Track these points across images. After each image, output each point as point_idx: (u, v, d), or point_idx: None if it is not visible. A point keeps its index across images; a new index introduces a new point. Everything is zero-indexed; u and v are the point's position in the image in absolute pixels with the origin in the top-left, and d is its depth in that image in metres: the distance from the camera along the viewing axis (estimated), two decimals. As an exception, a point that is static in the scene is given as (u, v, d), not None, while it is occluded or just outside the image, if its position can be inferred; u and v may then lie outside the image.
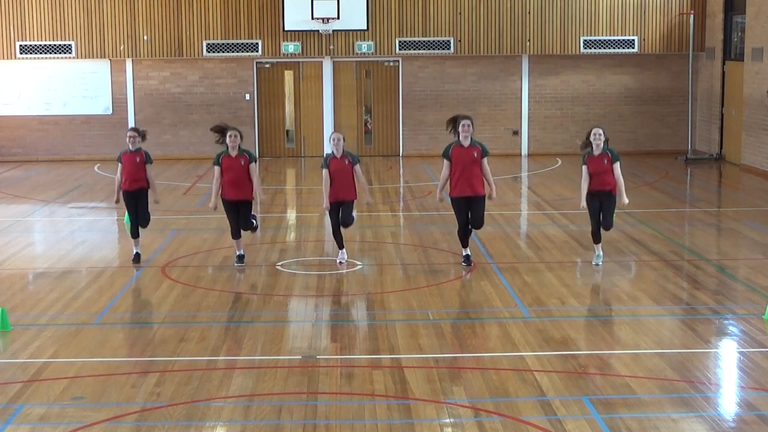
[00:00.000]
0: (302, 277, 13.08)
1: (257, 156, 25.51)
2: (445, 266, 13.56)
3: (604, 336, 10.46)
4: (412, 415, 8.27)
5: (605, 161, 13.16)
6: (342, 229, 13.58)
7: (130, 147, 13.69)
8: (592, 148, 13.19)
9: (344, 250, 13.61)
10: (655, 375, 9.12)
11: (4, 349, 10.18)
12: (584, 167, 13.25)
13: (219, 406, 8.50)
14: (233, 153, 13.37)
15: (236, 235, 13.61)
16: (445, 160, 13.24)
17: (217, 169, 13.45)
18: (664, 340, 10.32)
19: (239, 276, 13.22)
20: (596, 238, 13.45)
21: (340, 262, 13.54)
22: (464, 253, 13.48)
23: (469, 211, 13.22)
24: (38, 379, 9.17)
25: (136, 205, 13.81)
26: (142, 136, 13.84)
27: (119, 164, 13.77)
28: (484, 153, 13.17)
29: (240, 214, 13.48)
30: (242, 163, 13.36)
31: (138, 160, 13.68)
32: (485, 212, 13.40)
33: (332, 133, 13.59)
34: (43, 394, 8.78)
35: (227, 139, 13.35)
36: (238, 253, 13.73)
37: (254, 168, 13.47)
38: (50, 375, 9.30)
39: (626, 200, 13.29)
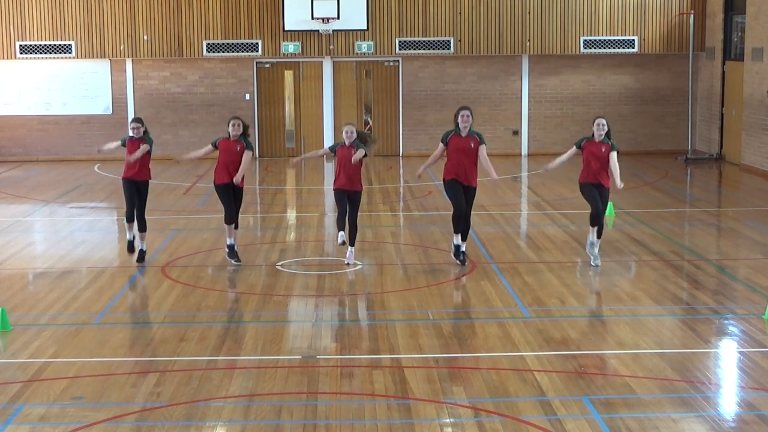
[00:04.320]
0: (302, 277, 13.07)
1: (257, 153, 25.51)
2: (445, 266, 13.55)
3: (604, 336, 10.46)
4: (412, 415, 8.27)
5: (603, 149, 13.12)
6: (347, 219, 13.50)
7: (134, 136, 13.65)
8: (593, 135, 13.21)
9: (344, 233, 13.44)
10: (655, 375, 9.12)
11: (4, 349, 10.18)
12: (575, 148, 13.34)
13: (219, 406, 8.50)
14: (233, 140, 13.56)
15: (230, 219, 13.47)
16: (441, 144, 13.46)
17: (209, 147, 13.75)
18: (664, 340, 10.32)
19: (238, 274, 13.22)
20: (595, 221, 13.16)
21: (348, 263, 13.49)
22: (454, 242, 13.33)
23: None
24: (38, 379, 9.17)
25: (137, 194, 13.64)
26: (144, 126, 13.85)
27: (124, 147, 13.75)
28: (481, 142, 13.24)
29: (234, 197, 13.52)
30: (237, 148, 13.48)
31: (141, 146, 13.61)
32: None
33: (346, 125, 13.52)
34: (43, 394, 8.78)
35: (229, 127, 13.54)
36: (228, 241, 13.54)
37: (247, 155, 13.50)
38: (50, 375, 9.30)
39: (620, 184, 13.02)
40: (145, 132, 13.72)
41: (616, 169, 13.08)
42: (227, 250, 13.66)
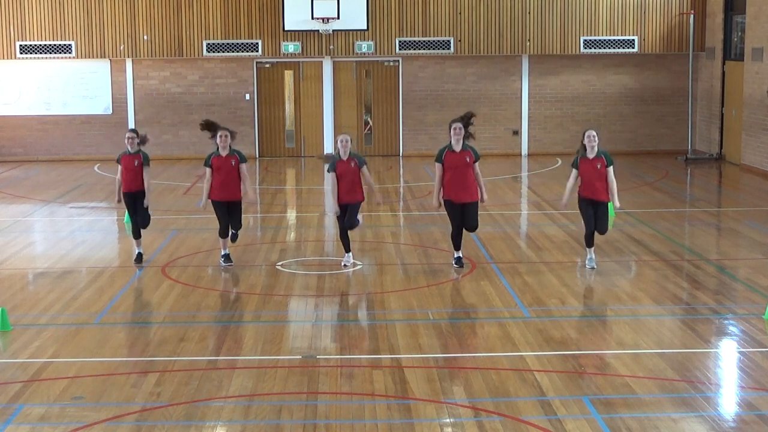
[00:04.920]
0: (302, 277, 13.07)
1: (251, 157, 25.55)
2: (445, 266, 13.56)
3: (604, 336, 10.46)
4: (412, 415, 8.27)
5: (598, 165, 13.00)
6: (348, 232, 13.51)
7: (129, 149, 13.69)
8: (585, 150, 13.08)
9: (351, 254, 13.57)
10: (655, 375, 9.13)
11: (4, 349, 10.18)
12: (574, 171, 13.13)
13: (219, 406, 8.50)
14: (223, 153, 13.42)
15: (224, 234, 13.60)
16: (437, 164, 13.22)
17: (208, 170, 13.48)
18: (664, 340, 10.32)
19: (238, 274, 13.22)
20: (589, 242, 13.27)
21: (345, 265, 13.50)
22: (456, 255, 13.45)
23: (463, 215, 13.23)
24: (38, 379, 9.17)
25: (135, 207, 13.82)
26: (142, 140, 13.81)
27: (119, 165, 13.78)
28: (476, 158, 13.17)
29: (230, 213, 13.51)
30: (232, 163, 13.42)
31: (136, 163, 13.66)
32: (479, 214, 13.47)
33: (340, 135, 13.47)
34: (43, 394, 8.79)
35: (218, 140, 13.40)
36: (223, 252, 13.68)
37: (244, 169, 13.49)
38: (50, 375, 9.30)
39: (618, 203, 13.19)
40: (140, 143, 13.77)
41: (614, 187, 13.01)
42: (222, 258, 13.69)
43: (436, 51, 25.24)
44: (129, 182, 13.71)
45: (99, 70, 25.38)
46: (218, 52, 25.12)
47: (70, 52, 24.94)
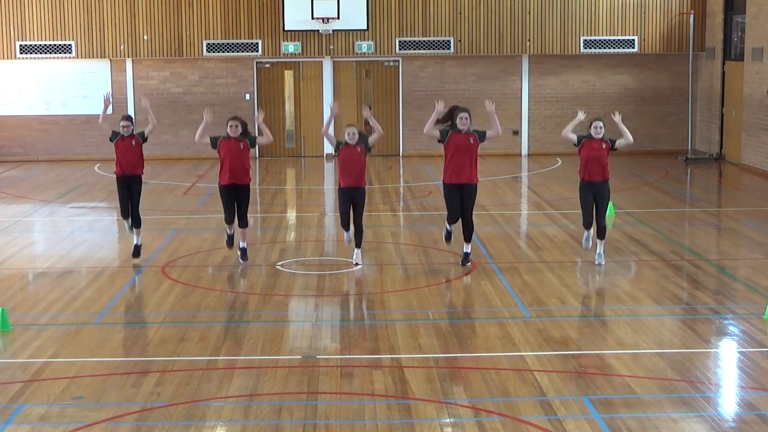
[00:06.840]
0: (302, 277, 13.08)
1: (251, 156, 25.55)
2: (445, 266, 13.56)
3: (604, 336, 10.46)
4: (412, 415, 8.27)
5: (603, 146, 13.18)
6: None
7: (124, 135, 13.72)
8: (591, 136, 13.21)
9: (351, 233, 13.58)
10: (655, 375, 9.13)
11: (4, 349, 10.18)
12: (576, 140, 13.25)
13: (219, 406, 8.50)
14: (233, 136, 13.31)
15: (230, 219, 13.47)
16: (438, 133, 13.21)
17: (208, 141, 13.42)
18: (664, 340, 10.32)
19: (238, 274, 13.21)
20: (587, 225, 13.34)
21: (349, 241, 13.59)
22: (447, 229, 13.47)
23: (462, 198, 13.19)
24: (38, 379, 9.17)
25: (130, 191, 13.78)
26: (144, 139, 13.90)
27: (113, 143, 13.78)
28: (480, 139, 13.21)
29: (238, 198, 13.44)
30: (241, 146, 13.31)
31: (134, 143, 13.70)
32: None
33: (348, 128, 13.51)
34: (43, 394, 8.78)
35: (228, 128, 13.30)
36: (229, 233, 13.61)
37: (259, 140, 13.76)
38: (50, 375, 9.30)
39: (623, 125, 13.59)
40: (133, 131, 13.83)
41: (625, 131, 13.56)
42: (227, 239, 13.73)
43: (436, 51, 25.24)
44: (125, 166, 13.73)
45: (99, 70, 25.38)
46: (218, 52, 25.12)
47: (70, 52, 24.94)
